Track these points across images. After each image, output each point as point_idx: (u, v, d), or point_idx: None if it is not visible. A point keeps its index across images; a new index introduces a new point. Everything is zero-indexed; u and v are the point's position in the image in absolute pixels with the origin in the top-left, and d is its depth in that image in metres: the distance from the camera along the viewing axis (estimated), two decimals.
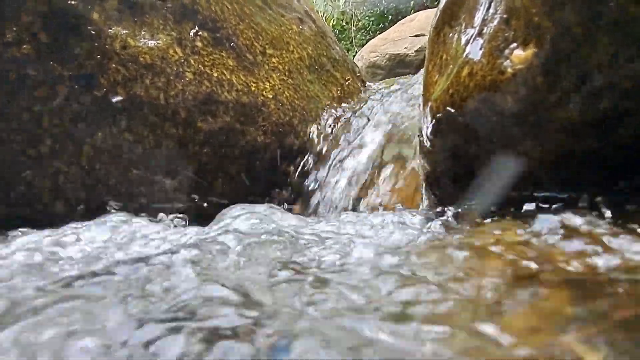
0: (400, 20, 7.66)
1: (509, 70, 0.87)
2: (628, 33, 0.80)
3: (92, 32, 1.42)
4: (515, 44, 0.87)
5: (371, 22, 9.60)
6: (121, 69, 1.45)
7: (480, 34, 0.98)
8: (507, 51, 0.88)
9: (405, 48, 6.47)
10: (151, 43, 1.52)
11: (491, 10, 0.94)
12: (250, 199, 1.74)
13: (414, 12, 7.75)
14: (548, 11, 0.83)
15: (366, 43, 8.01)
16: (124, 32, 1.48)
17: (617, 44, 0.80)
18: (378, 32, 8.60)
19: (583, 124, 0.88)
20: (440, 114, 1.12)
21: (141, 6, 1.54)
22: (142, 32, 1.51)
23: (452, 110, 1.06)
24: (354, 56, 7.67)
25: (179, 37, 1.59)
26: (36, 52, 1.37)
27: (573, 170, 0.98)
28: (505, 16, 0.90)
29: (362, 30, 9.66)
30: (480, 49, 0.95)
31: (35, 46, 1.37)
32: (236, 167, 1.69)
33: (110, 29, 1.45)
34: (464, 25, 1.09)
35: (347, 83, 2.22)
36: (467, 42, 1.03)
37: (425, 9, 7.83)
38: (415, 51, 6.41)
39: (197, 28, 1.66)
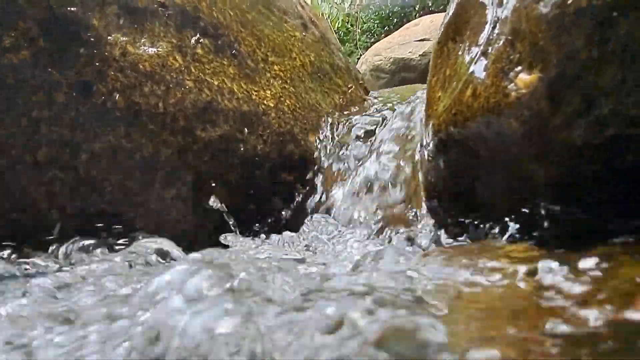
0: (405, 23, 7.64)
1: (514, 94, 0.85)
2: (636, 59, 0.78)
3: (92, 38, 1.41)
4: (520, 67, 0.85)
5: (376, 25, 9.59)
6: (120, 76, 1.44)
7: (484, 53, 0.96)
8: (511, 74, 0.86)
9: (409, 52, 6.45)
10: (151, 50, 1.50)
11: (496, 31, 0.92)
12: (250, 208, 1.72)
13: (419, 17, 7.73)
14: (554, 35, 0.81)
15: (370, 46, 7.99)
16: (124, 38, 1.46)
17: (625, 71, 0.78)
18: (383, 35, 8.59)
19: (587, 149, 0.86)
20: (442, 132, 1.10)
21: (142, 12, 1.52)
22: (143, 39, 1.49)
23: (455, 130, 1.04)
24: (358, 59, 7.65)
25: (180, 45, 1.57)
26: (34, 58, 1.35)
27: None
28: (510, 38, 0.88)
29: (367, 33, 9.65)
30: (485, 69, 0.93)
31: (33, 52, 1.35)
32: (235, 176, 1.67)
33: (110, 35, 1.44)
34: (468, 42, 1.08)
35: (349, 91, 2.20)
36: (471, 61, 1.01)
37: (430, 13, 7.81)
38: (420, 55, 6.38)
39: (198, 35, 1.64)
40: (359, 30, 9.69)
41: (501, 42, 0.90)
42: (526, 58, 0.84)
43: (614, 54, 0.77)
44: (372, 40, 9.02)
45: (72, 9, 1.38)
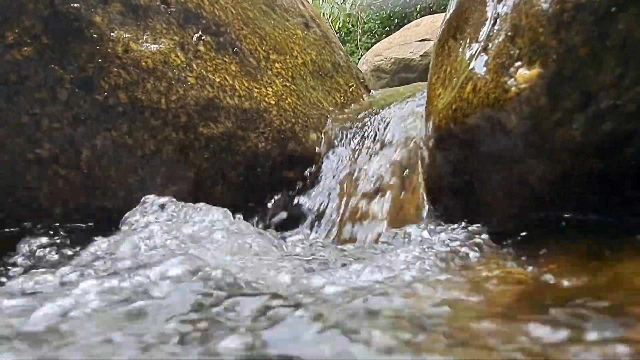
0: (406, 24, 7.65)
1: (513, 89, 0.85)
2: (635, 55, 0.78)
3: (94, 35, 1.41)
4: (520, 63, 0.86)
5: (377, 25, 9.59)
6: (122, 73, 1.44)
7: (485, 49, 0.96)
8: (511, 69, 0.87)
9: (410, 52, 6.46)
10: (153, 47, 1.51)
11: (496, 27, 0.93)
12: (251, 205, 1.73)
13: (420, 17, 7.74)
14: (554, 30, 0.81)
15: (371, 46, 7.99)
16: (127, 35, 1.47)
17: (623, 66, 0.78)
18: (384, 36, 8.59)
19: (586, 144, 0.86)
20: (442, 129, 1.11)
21: (144, 10, 1.52)
22: (145, 36, 1.50)
23: (455, 126, 1.04)
24: (359, 59, 7.66)
25: (182, 42, 1.58)
26: (37, 54, 1.36)
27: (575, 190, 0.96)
28: (510, 33, 0.88)
29: (368, 33, 9.65)
30: (485, 65, 0.94)
31: (36, 48, 1.36)
32: (236, 173, 1.68)
33: (113, 32, 1.44)
34: (468, 39, 1.08)
35: (350, 90, 2.21)
36: (472, 57, 1.02)
37: (431, 13, 7.81)
38: (420, 56, 6.39)
39: (200, 32, 1.65)
40: (360, 31, 9.69)
41: (501, 38, 0.90)
42: (526, 53, 0.85)
43: (613, 49, 0.78)
44: (373, 40, 9.02)
45: (75, 5, 1.39)
